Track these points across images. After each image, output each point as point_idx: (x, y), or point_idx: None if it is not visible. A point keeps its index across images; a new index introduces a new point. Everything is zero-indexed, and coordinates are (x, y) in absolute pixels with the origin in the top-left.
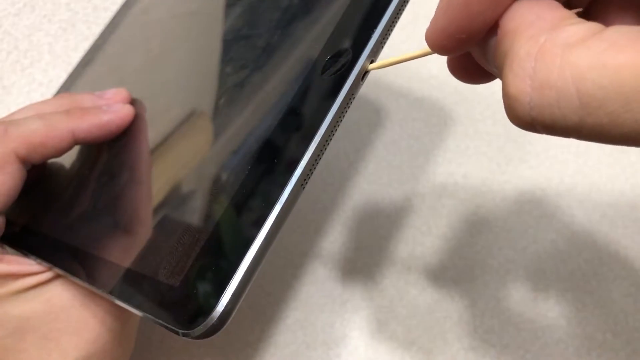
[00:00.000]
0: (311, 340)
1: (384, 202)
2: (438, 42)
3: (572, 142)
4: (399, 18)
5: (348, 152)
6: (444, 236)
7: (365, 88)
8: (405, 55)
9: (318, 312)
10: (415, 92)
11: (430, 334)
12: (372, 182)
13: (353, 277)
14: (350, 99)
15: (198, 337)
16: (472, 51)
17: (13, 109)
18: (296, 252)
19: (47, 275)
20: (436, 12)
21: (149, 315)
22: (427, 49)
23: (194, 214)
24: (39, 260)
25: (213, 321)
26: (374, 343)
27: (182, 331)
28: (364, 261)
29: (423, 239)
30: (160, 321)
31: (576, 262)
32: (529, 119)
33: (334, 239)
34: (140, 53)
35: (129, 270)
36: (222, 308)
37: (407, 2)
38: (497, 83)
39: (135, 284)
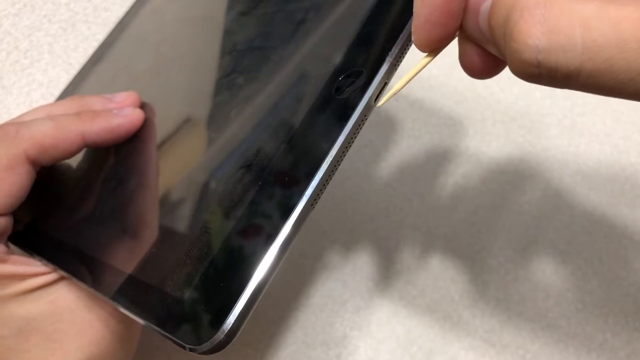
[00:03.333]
0: (311, 340)
1: (384, 202)
2: (425, 36)
3: (571, 142)
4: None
5: (348, 152)
6: (444, 236)
7: None
8: (409, 74)
9: (318, 312)
10: (415, 93)
11: (430, 334)
12: (372, 182)
13: (353, 277)
14: (362, 120)
15: (205, 353)
16: (468, 30)
17: (13, 109)
18: (296, 253)
19: (53, 276)
20: (415, 10)
21: (155, 327)
22: (424, 59)
23: (203, 227)
24: (44, 261)
25: (221, 338)
26: (374, 343)
27: (189, 346)
28: (364, 261)
29: (423, 239)
30: (167, 334)
31: (576, 262)
32: (535, 63)
33: (334, 239)
34: (149, 56)
35: (134, 278)
36: (230, 325)
37: None
38: (496, 84)
39: (140, 294)
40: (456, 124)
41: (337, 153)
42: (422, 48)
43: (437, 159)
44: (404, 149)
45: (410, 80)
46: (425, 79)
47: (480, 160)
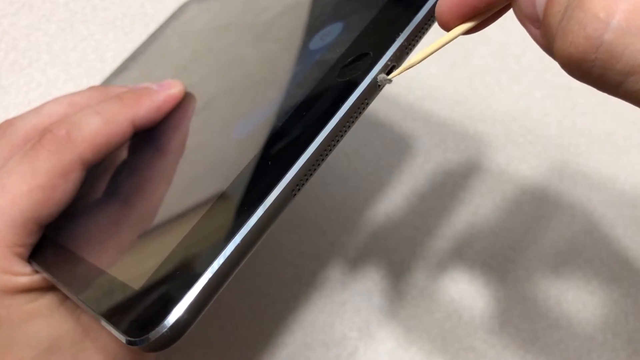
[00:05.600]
0: (310, 340)
1: (384, 202)
2: (453, 6)
3: (572, 142)
4: (429, 26)
5: (347, 152)
6: (444, 236)
7: None
8: (429, 49)
9: (317, 313)
10: (414, 92)
11: (430, 335)
12: (372, 182)
13: (352, 277)
14: (362, 103)
15: (146, 348)
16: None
17: (11, 109)
18: (295, 253)
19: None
20: None
21: (98, 315)
22: (450, 34)
23: (175, 214)
24: None
25: (163, 331)
26: (374, 343)
27: (128, 338)
28: (363, 261)
29: (423, 239)
30: (108, 322)
31: (576, 263)
32: (597, 44)
33: (333, 239)
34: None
35: (90, 264)
36: (176, 319)
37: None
38: (496, 84)
39: (92, 279)
40: (456, 124)
41: (326, 137)
42: (446, 20)
43: (437, 159)
44: (403, 149)
45: (429, 55)
46: (425, 78)
47: (480, 160)
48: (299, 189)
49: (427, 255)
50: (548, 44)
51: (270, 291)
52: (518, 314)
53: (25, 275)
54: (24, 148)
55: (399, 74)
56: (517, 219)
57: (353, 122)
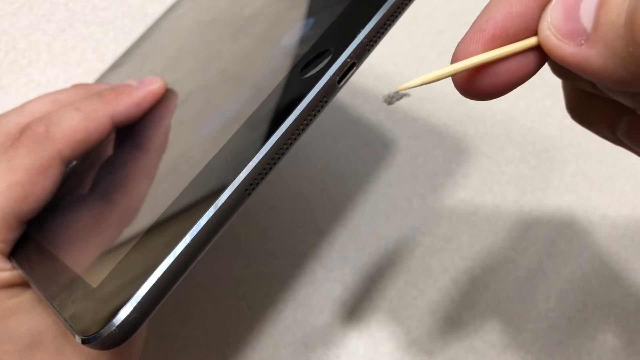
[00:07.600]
0: (310, 340)
1: (384, 202)
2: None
3: (572, 142)
4: (392, 22)
5: (347, 152)
6: (444, 236)
7: (364, 88)
8: (439, 72)
9: (317, 313)
10: (414, 92)
11: (430, 335)
12: (371, 182)
13: (352, 277)
14: (321, 101)
15: (96, 347)
16: (551, 30)
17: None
18: (295, 253)
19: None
20: (477, 24)
21: (56, 309)
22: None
23: (138, 215)
24: None
25: (111, 330)
26: (374, 343)
27: (81, 337)
28: (363, 261)
29: (423, 239)
30: (64, 319)
31: (576, 262)
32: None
33: (333, 239)
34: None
35: (61, 263)
36: (123, 318)
37: (402, 9)
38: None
39: (60, 278)
40: (456, 124)
41: (283, 134)
42: (472, 88)
43: (437, 159)
44: (404, 149)
45: (443, 77)
46: None
47: (480, 160)
48: (253, 189)
49: (427, 255)
50: (605, 55)
51: (270, 291)
52: (518, 314)
53: (6, 270)
54: (4, 145)
55: (409, 88)
56: (517, 219)
57: (312, 119)
